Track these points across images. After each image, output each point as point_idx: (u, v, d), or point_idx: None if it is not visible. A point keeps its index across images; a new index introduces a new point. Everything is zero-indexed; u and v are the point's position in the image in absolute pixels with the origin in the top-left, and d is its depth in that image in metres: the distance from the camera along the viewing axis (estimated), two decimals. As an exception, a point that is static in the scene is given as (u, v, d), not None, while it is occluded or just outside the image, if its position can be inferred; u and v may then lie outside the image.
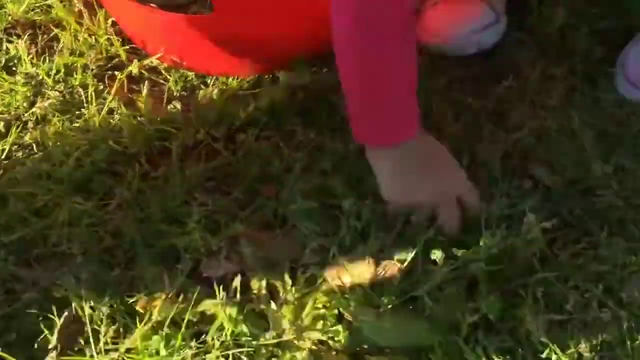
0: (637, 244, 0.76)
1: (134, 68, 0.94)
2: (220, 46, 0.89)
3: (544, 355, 0.68)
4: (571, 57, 0.93)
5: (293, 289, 0.74)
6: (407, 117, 0.78)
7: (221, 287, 0.72)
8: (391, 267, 0.71)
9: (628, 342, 0.68)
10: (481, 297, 0.70)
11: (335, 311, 0.72)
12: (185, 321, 0.71)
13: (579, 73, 0.91)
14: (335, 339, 0.70)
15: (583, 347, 0.67)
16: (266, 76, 0.93)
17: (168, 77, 0.96)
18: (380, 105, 0.77)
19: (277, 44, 0.89)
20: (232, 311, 0.72)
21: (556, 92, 0.90)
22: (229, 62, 0.92)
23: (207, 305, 0.71)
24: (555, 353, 0.67)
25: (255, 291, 0.75)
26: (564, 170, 0.82)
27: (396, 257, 0.73)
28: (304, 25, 0.88)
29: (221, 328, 0.71)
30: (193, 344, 0.68)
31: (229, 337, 0.71)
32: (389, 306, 0.70)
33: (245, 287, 0.76)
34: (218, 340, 0.70)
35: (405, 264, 0.72)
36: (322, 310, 0.73)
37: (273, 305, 0.72)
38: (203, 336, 0.70)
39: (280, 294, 0.73)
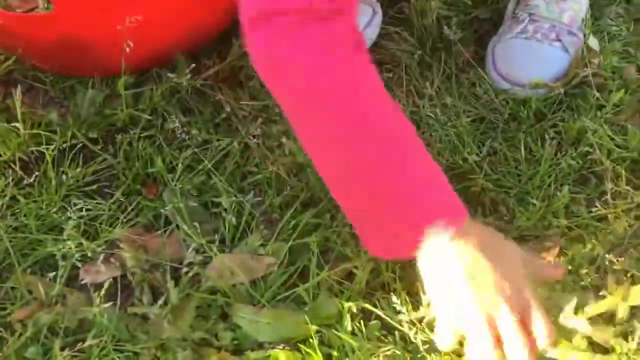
0: (508, 224, 0.80)
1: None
2: (60, 46, 0.82)
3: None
4: (447, 46, 0.96)
5: (176, 289, 0.74)
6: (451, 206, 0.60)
7: (101, 293, 0.70)
8: (271, 263, 0.72)
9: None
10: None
11: (219, 310, 0.73)
12: (63, 329, 0.70)
13: (454, 62, 0.94)
14: (218, 336, 0.71)
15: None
16: (148, 75, 0.91)
17: (45, 79, 0.93)
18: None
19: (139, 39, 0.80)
20: (112, 316, 0.72)
21: (433, 81, 0.93)
22: (88, 63, 0.86)
23: (85, 312, 0.70)
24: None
25: (137, 294, 0.75)
26: (441, 156, 0.86)
27: (277, 253, 0.74)
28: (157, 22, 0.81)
29: (101, 334, 0.71)
30: (66, 353, 0.67)
31: (109, 343, 0.70)
32: (268, 302, 0.71)
33: (128, 290, 0.77)
34: (97, 346, 0.70)
35: (286, 259, 0.73)
36: (206, 309, 0.74)
37: (155, 308, 0.72)
38: (80, 344, 0.69)
39: (164, 296, 0.74)
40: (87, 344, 0.68)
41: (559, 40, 0.92)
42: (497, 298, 0.58)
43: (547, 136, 0.86)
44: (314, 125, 0.62)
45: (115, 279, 0.75)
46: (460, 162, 0.85)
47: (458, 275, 0.59)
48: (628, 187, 0.81)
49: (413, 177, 0.61)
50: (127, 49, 0.76)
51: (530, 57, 0.91)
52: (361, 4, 0.95)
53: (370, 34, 0.95)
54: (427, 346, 0.68)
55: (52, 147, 0.83)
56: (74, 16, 0.79)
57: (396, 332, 0.70)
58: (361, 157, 0.61)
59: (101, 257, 0.74)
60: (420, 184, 0.62)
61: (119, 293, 0.74)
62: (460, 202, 0.62)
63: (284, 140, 0.83)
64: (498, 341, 0.58)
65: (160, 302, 0.72)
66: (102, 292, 0.71)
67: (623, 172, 0.82)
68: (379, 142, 0.61)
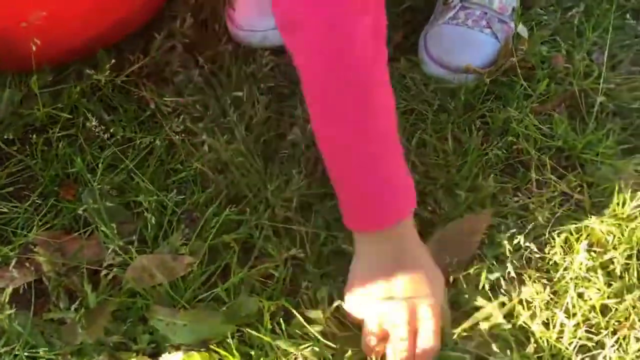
0: (435, 215, 0.80)
1: None
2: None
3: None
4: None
5: (94, 293, 0.72)
6: (406, 190, 0.69)
7: (9, 299, 0.68)
8: (191, 264, 0.70)
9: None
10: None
11: (139, 312, 0.71)
12: (-29, 339, 0.67)
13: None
14: (136, 339, 0.69)
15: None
16: (67, 72, 0.89)
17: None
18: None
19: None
20: (26, 322, 0.69)
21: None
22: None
23: (-4, 320, 0.68)
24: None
25: (53, 299, 0.73)
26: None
27: (197, 252, 0.72)
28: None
29: (14, 342, 0.68)
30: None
31: (21, 350, 0.67)
32: (189, 303, 0.69)
33: (44, 296, 0.74)
34: (9, 354, 0.67)
35: (204, 259, 0.71)
36: (125, 312, 0.72)
37: (71, 312, 0.70)
38: (-13, 352, 0.67)
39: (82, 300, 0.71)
40: (-3, 352, 0.67)
41: (489, 27, 0.92)
42: (407, 302, 0.66)
43: (474, 127, 0.85)
44: (325, 82, 0.66)
45: (29, 284, 0.73)
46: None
47: (390, 265, 0.67)
48: (552, 176, 0.81)
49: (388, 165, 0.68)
50: (34, 47, 0.73)
51: (461, 42, 0.91)
52: None
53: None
54: (346, 341, 0.67)
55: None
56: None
57: (315, 329, 0.68)
58: (357, 126, 0.66)
59: (13, 261, 0.72)
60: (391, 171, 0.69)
61: (32, 299, 0.72)
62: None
63: (204, 137, 0.81)
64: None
65: (75, 306, 0.69)
66: (11, 297, 0.67)
67: (548, 160, 0.82)
68: (375, 116, 0.67)
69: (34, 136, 0.82)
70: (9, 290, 0.68)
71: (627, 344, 0.68)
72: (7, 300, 0.68)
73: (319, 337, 0.67)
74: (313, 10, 0.64)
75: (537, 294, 0.72)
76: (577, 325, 0.70)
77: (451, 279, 0.72)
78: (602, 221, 0.77)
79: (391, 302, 0.66)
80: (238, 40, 0.94)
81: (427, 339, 0.65)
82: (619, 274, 0.73)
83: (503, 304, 0.71)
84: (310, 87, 0.68)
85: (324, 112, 0.68)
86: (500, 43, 0.91)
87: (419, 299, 0.66)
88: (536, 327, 0.70)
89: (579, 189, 0.80)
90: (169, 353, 0.66)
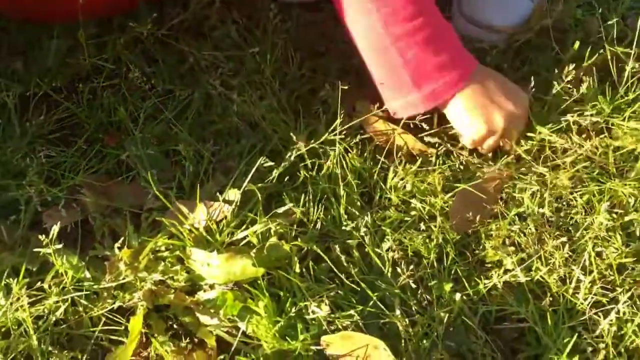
0: (462, 168, 0.82)
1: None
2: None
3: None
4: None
5: (135, 234, 0.77)
6: (459, 46, 0.80)
7: (60, 236, 0.72)
8: (223, 210, 0.75)
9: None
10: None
11: (177, 252, 0.76)
12: (23, 270, 0.72)
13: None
14: (174, 278, 0.74)
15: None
16: (112, 25, 0.92)
17: (10, 28, 0.93)
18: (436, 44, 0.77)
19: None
20: (73, 258, 0.74)
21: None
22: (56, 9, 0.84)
23: (46, 255, 0.73)
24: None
25: (98, 238, 0.78)
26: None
27: (229, 198, 0.77)
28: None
29: (61, 275, 0.74)
30: (23, 291, 0.70)
31: (68, 284, 0.73)
32: (222, 246, 0.74)
33: (90, 235, 0.79)
34: (57, 286, 0.73)
35: (234, 206, 0.75)
36: (165, 253, 0.76)
37: (115, 250, 0.75)
38: (39, 283, 0.72)
39: (124, 239, 0.76)
40: (45, 284, 0.72)
41: (525, -13, 0.93)
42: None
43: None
44: None
45: (76, 223, 0.78)
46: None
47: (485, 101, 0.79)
48: (576, 137, 0.82)
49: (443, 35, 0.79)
50: (81, 0, 0.76)
51: (495, 1, 0.91)
52: None
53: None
54: (370, 286, 0.71)
55: (14, 95, 0.84)
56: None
57: (342, 275, 0.73)
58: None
59: (62, 202, 0.77)
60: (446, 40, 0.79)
61: (79, 237, 0.77)
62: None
63: (238, 94, 0.85)
64: None
65: (118, 245, 0.74)
66: (59, 235, 0.72)
67: (572, 124, 0.83)
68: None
69: (80, 85, 0.86)
70: (56, 228, 0.72)
71: (641, 302, 0.71)
72: (55, 236, 0.73)
73: (345, 280, 0.72)
74: None
75: (557, 249, 0.75)
76: (594, 282, 0.73)
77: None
78: (625, 184, 0.79)
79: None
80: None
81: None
82: (638, 234, 0.76)
83: (522, 260, 0.75)
84: None
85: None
86: (534, 3, 0.92)
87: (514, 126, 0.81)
88: (553, 282, 0.73)
89: (604, 151, 0.82)
90: (204, 291, 0.72)
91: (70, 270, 0.73)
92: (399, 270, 0.73)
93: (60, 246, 0.72)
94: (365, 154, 0.81)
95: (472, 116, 0.80)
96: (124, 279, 0.72)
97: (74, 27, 0.91)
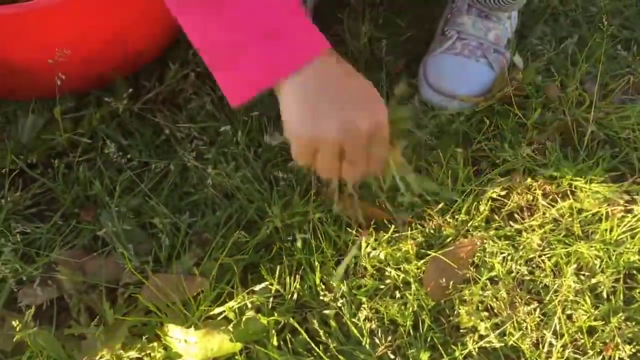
0: (431, 237, 0.85)
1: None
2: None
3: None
4: (379, 67, 0.99)
5: (112, 310, 0.77)
6: (304, 32, 0.64)
7: (32, 315, 0.72)
8: (201, 284, 0.75)
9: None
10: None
11: (153, 329, 0.76)
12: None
13: (386, 82, 0.98)
14: (151, 355, 0.74)
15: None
16: (88, 99, 0.94)
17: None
18: (265, 22, 0.62)
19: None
20: (49, 337, 0.74)
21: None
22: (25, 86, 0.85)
23: (21, 334, 0.73)
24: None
25: (74, 315, 0.78)
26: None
27: (208, 272, 0.77)
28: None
29: (37, 356, 0.73)
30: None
31: (44, 364, 0.73)
32: (199, 320, 0.74)
33: (65, 312, 0.79)
34: (33, 368, 0.72)
35: (212, 280, 0.76)
36: (141, 329, 0.76)
37: (91, 328, 0.75)
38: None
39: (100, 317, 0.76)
40: (21, 365, 0.71)
41: (485, 57, 0.97)
42: (353, 121, 0.62)
43: (468, 154, 0.89)
44: None
45: (52, 301, 0.78)
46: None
47: (321, 97, 0.62)
48: (543, 202, 0.85)
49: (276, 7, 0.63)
50: (59, 82, 0.78)
51: (458, 70, 0.96)
52: None
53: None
54: (348, 357, 0.72)
55: (-9, 172, 0.85)
56: (3, 41, 0.79)
57: (320, 346, 0.73)
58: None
59: (37, 279, 0.77)
60: (282, 14, 0.63)
61: (54, 315, 0.77)
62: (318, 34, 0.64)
63: (214, 165, 0.86)
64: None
65: (95, 322, 0.74)
66: (34, 314, 0.72)
67: (538, 187, 0.86)
68: None
69: (56, 160, 0.87)
70: (32, 310, 0.72)
71: (611, 364, 0.73)
72: (31, 317, 0.72)
73: (322, 354, 0.72)
74: None
75: (529, 315, 0.77)
76: (565, 345, 0.74)
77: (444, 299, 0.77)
78: (590, 246, 0.81)
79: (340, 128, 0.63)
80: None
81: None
82: (605, 296, 0.78)
83: (496, 325, 0.76)
84: None
85: None
86: (496, 72, 0.97)
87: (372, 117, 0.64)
88: (526, 347, 0.74)
89: (569, 215, 0.85)
90: (182, 368, 0.72)
91: (45, 350, 0.72)
92: (376, 340, 0.74)
93: (35, 328, 0.72)
94: (340, 222, 0.83)
95: (299, 110, 0.64)
96: (100, 358, 0.72)
97: (50, 103, 0.93)
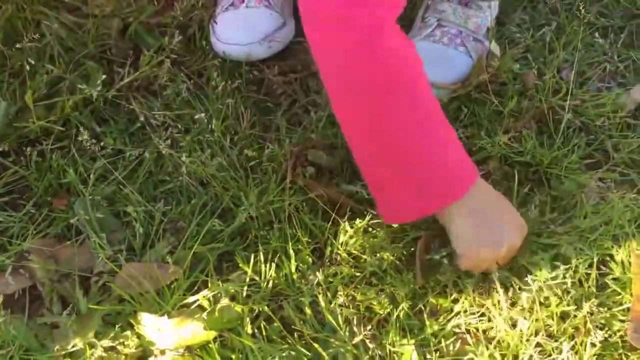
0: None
1: None
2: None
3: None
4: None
5: (85, 299, 0.76)
6: (465, 160, 0.76)
7: (8, 302, 0.72)
8: (175, 272, 0.75)
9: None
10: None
11: (127, 318, 0.75)
12: (-32, 342, 0.71)
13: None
14: (125, 344, 0.73)
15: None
16: (60, 86, 0.92)
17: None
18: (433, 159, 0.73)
19: None
20: (21, 326, 0.73)
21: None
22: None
23: (-8, 324, 0.72)
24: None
25: (47, 304, 0.77)
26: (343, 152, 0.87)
27: (182, 260, 0.77)
28: None
29: (9, 345, 0.72)
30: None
31: (16, 353, 0.72)
32: (173, 309, 0.73)
33: (38, 301, 0.78)
34: (4, 357, 0.71)
35: (186, 268, 0.75)
36: (114, 317, 0.76)
37: (64, 317, 0.74)
38: (-15, 355, 0.71)
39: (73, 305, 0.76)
40: (-8, 355, 0.71)
41: (464, 45, 0.96)
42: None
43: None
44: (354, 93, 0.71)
45: (24, 290, 0.77)
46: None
47: (485, 218, 0.75)
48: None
49: (438, 140, 0.75)
50: None
51: (436, 58, 0.95)
52: (271, 10, 0.98)
53: (277, 43, 0.98)
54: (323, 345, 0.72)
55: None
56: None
57: (295, 333, 0.73)
58: (394, 116, 0.72)
59: (9, 269, 0.76)
60: (442, 148, 0.75)
61: (27, 304, 0.76)
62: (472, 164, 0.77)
63: (189, 153, 0.85)
64: None
65: (68, 311, 0.74)
66: (6, 303, 0.72)
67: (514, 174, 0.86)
68: (411, 104, 0.72)
69: (29, 148, 0.86)
70: (1, 297, 0.72)
71: (583, 349, 0.74)
72: (1, 305, 0.72)
73: (296, 342, 0.72)
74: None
75: (506, 301, 0.77)
76: (537, 330, 0.75)
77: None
78: (565, 233, 0.82)
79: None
80: (222, 54, 0.98)
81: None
82: (578, 283, 0.79)
83: (471, 310, 0.76)
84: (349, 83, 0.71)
85: (370, 107, 0.72)
86: (474, 60, 0.96)
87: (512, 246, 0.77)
88: (501, 327, 0.74)
89: (544, 202, 0.85)
90: (155, 357, 0.71)
91: (17, 339, 0.72)
92: (353, 328, 0.74)
93: (6, 317, 0.71)
94: (316, 210, 0.83)
95: (469, 232, 0.76)
96: (73, 346, 0.72)
97: (21, 89, 0.92)
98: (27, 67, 0.87)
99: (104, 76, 0.89)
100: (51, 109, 0.90)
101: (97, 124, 0.91)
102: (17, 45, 0.93)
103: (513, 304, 0.76)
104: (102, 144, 0.87)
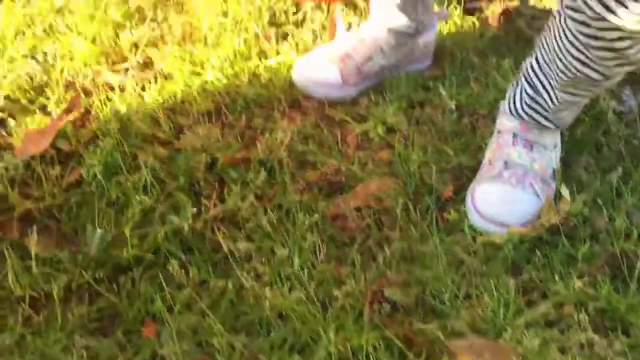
0: None
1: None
2: None
3: None
4: (428, 193, 1.04)
5: None
6: None
7: None
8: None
9: None
10: None
11: None
12: None
13: (435, 208, 1.02)
14: None
15: None
16: (152, 215, 0.99)
17: (59, 217, 1.00)
18: None
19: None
20: None
21: (418, 227, 0.99)
22: None
23: None
24: None
25: None
26: (417, 289, 0.91)
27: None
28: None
29: None
30: None
31: None
32: None
33: None
34: None
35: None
36: None
37: None
38: None
39: None
40: None
41: (532, 186, 1.00)
42: None
43: (519, 285, 0.90)
44: None
45: (109, 419, 0.80)
46: (435, 298, 0.90)
47: None
48: (595, 336, 0.84)
49: None
50: None
51: (505, 199, 0.99)
52: None
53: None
54: None
55: (59, 285, 0.88)
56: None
57: None
58: None
59: (99, 397, 0.79)
60: None
61: None
62: None
63: (269, 286, 0.89)
64: None
65: None
66: None
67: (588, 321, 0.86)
68: None
69: (122, 277, 0.91)
70: None
71: None
72: None
73: None
74: None
75: None
76: None
77: None
78: (645, 385, 0.80)
79: None
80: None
81: None
82: None
83: None
84: None
85: None
86: (542, 202, 0.99)
87: None
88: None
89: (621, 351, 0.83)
90: None
91: None
92: None
93: None
94: (392, 348, 0.84)
95: None
96: None
97: (116, 219, 0.99)
98: (123, 198, 0.93)
99: (194, 209, 0.96)
100: (144, 238, 0.97)
101: (183, 253, 0.96)
102: (115, 178, 1.02)
103: None
104: (190, 273, 0.92)
